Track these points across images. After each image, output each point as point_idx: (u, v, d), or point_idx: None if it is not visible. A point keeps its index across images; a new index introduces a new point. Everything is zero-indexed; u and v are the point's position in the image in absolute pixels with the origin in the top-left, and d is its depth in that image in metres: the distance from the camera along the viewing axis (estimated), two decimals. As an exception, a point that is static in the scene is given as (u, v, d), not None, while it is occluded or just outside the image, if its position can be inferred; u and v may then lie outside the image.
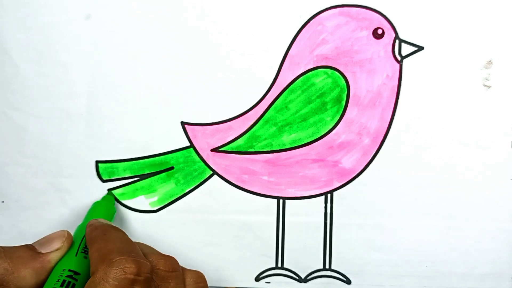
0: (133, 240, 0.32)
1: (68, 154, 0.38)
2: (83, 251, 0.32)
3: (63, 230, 0.32)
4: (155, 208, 0.38)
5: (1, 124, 0.38)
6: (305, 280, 0.39)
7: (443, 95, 0.37)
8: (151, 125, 0.38)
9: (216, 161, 0.38)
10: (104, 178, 0.38)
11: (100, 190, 0.38)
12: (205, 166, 0.38)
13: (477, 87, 0.37)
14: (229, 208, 0.38)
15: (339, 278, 0.39)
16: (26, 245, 0.31)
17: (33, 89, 0.38)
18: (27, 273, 0.29)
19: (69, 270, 0.30)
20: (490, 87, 0.37)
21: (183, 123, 0.38)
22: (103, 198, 0.38)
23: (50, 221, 0.38)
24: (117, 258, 0.27)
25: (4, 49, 0.37)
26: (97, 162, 0.38)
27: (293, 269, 0.39)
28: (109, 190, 0.38)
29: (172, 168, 0.38)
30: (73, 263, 0.31)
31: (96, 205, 0.37)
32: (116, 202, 0.38)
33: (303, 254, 0.38)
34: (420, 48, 0.37)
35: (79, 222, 0.38)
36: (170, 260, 0.31)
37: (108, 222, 0.34)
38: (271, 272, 0.39)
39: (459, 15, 0.37)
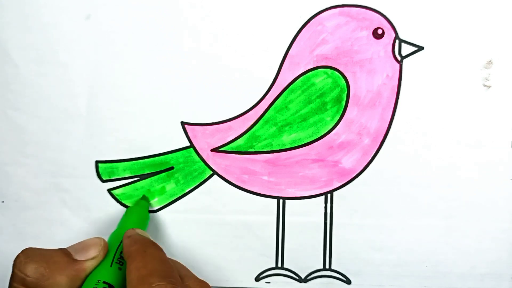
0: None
1: (68, 154, 0.38)
2: (118, 261, 0.31)
3: (99, 238, 0.31)
4: (155, 208, 0.38)
5: (1, 124, 0.38)
6: (305, 280, 0.39)
7: (443, 95, 0.37)
8: (151, 125, 0.38)
9: (216, 161, 0.38)
10: (104, 178, 0.38)
11: (100, 190, 0.38)
12: (205, 166, 0.38)
13: (477, 87, 0.37)
14: (229, 208, 0.38)
15: (339, 278, 0.39)
16: (61, 250, 0.30)
17: (33, 89, 0.38)
18: (62, 279, 0.29)
19: (104, 282, 0.29)
20: (490, 87, 0.37)
21: (183, 123, 0.38)
22: (137, 203, 0.37)
23: (50, 221, 0.38)
24: (157, 283, 0.27)
25: (4, 49, 0.37)
26: (97, 162, 0.38)
27: (293, 269, 0.39)
28: (109, 190, 0.38)
29: (172, 168, 0.38)
30: (108, 274, 0.30)
31: (130, 211, 0.36)
32: (149, 208, 0.38)
33: (303, 254, 0.38)
34: (420, 48, 0.37)
35: (79, 223, 0.38)
36: (205, 286, 0.30)
37: (147, 236, 0.33)
38: (271, 272, 0.39)
39: (459, 15, 0.37)
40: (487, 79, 0.37)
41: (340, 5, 0.37)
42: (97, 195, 0.38)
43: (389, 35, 0.37)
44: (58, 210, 0.38)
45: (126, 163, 0.38)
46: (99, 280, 0.29)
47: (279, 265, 0.39)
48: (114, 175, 0.38)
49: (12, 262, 0.29)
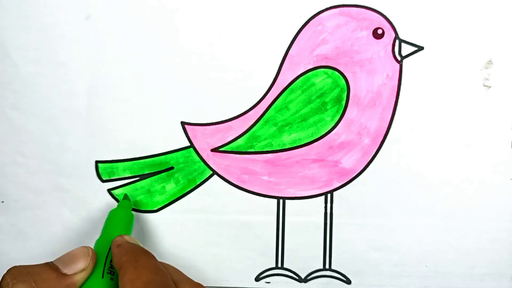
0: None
1: (68, 154, 0.38)
2: (109, 271, 0.30)
3: (86, 247, 0.30)
4: (155, 208, 0.38)
5: (1, 124, 0.38)
6: (305, 280, 0.39)
7: (443, 95, 0.37)
8: (151, 125, 0.38)
9: (216, 161, 0.38)
10: (104, 178, 0.38)
11: (100, 190, 0.38)
12: (205, 166, 0.38)
13: (477, 87, 0.37)
14: (229, 208, 0.38)
15: (339, 278, 0.39)
16: (49, 265, 0.29)
17: (33, 89, 0.38)
18: None
19: None
20: (490, 87, 0.37)
21: (183, 123, 0.38)
22: (119, 205, 0.36)
23: (50, 221, 0.38)
24: None
25: (4, 49, 0.37)
26: (97, 162, 0.38)
27: (293, 269, 0.39)
28: (109, 190, 0.38)
29: (172, 168, 0.38)
30: (101, 287, 0.29)
31: (113, 214, 0.35)
32: (132, 206, 0.37)
33: (303, 254, 0.38)
34: (420, 48, 0.37)
35: (79, 223, 0.38)
36: None
37: (137, 243, 0.32)
38: (271, 272, 0.39)
39: (459, 15, 0.37)
40: (487, 79, 0.37)
41: (340, 5, 0.37)
42: (97, 195, 0.38)
43: (389, 35, 0.37)
44: (58, 210, 0.38)
45: (126, 163, 0.38)
46: None
47: (279, 265, 0.39)
48: (114, 175, 0.38)
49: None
